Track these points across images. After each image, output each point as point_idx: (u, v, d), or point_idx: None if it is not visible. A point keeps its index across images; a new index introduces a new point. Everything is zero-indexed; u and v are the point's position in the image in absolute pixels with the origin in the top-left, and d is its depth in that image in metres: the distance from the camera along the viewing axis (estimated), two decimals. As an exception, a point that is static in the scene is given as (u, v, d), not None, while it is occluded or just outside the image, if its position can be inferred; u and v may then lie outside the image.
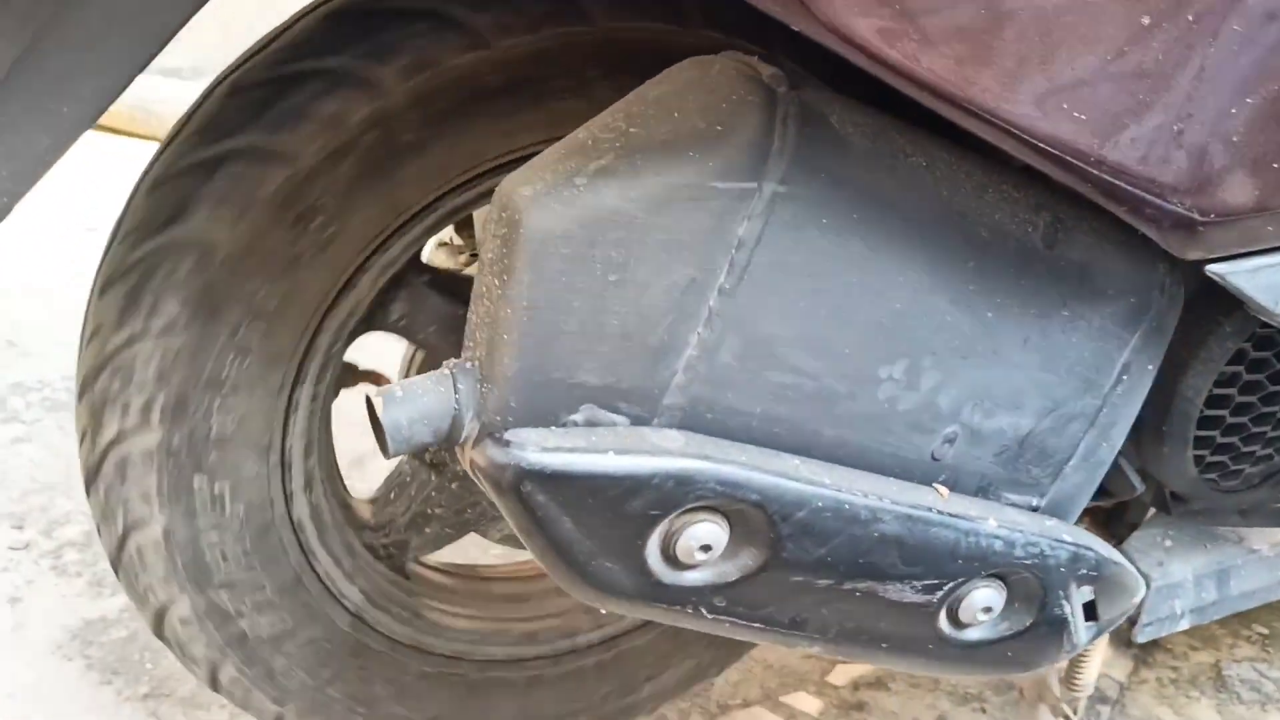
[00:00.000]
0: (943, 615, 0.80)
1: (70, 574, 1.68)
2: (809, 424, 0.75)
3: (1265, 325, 0.99)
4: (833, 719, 1.55)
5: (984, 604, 0.80)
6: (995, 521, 0.78)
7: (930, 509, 0.76)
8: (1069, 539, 0.81)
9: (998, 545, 0.78)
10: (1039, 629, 0.83)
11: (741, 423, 0.73)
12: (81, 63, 0.67)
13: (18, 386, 2.21)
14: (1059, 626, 0.84)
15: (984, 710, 1.60)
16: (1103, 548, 0.84)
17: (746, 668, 1.62)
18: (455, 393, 0.70)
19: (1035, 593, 0.82)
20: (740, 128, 0.67)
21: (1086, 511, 1.18)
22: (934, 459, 0.79)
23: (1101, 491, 1.04)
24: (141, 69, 0.69)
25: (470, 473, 0.72)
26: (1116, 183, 0.69)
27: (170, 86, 3.54)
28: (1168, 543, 1.09)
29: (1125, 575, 0.86)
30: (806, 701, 1.58)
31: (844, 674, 1.64)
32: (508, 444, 0.67)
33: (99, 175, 3.37)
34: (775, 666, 1.64)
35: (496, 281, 0.69)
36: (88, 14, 0.64)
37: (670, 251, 0.68)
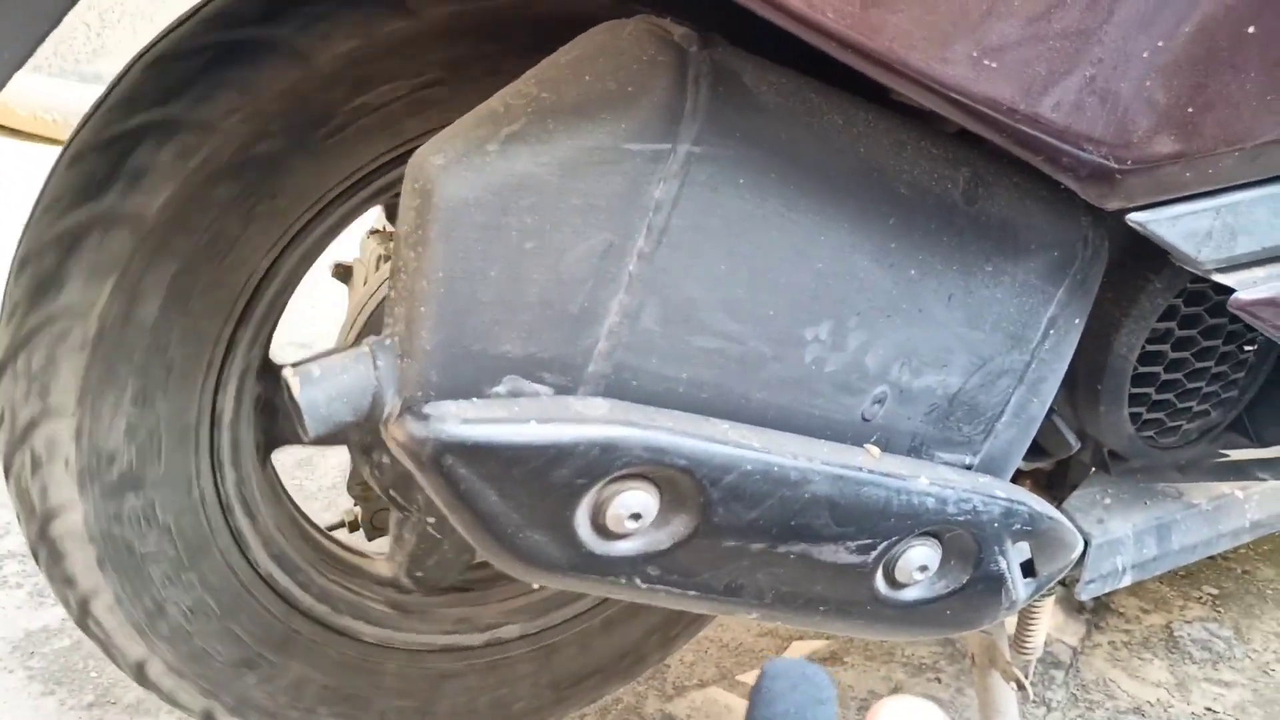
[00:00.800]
0: (879, 575, 0.80)
1: (10, 585, 1.65)
2: (736, 388, 0.74)
3: (1196, 280, 1.00)
4: (789, 695, 1.55)
5: (920, 562, 0.80)
6: (927, 479, 0.78)
7: (860, 468, 0.75)
8: (1002, 494, 0.81)
9: (930, 503, 0.77)
10: (976, 586, 0.83)
11: (668, 389, 0.73)
12: None
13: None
14: (996, 583, 0.84)
15: (939, 680, 1.61)
16: (1037, 503, 0.84)
17: (701, 648, 1.62)
18: (375, 369, 0.69)
19: (970, 549, 0.81)
20: (651, 88, 0.67)
21: (1028, 474, 1.19)
22: (864, 420, 0.79)
23: (1039, 451, 1.05)
24: (21, 63, 0.67)
25: (394, 450, 0.71)
26: (1032, 133, 0.68)
27: (96, 93, 3.49)
28: (1107, 500, 1.09)
29: (1061, 530, 0.86)
30: (763, 679, 1.58)
31: (799, 650, 1.64)
32: (427, 417, 0.66)
33: (35, 184, 3.31)
34: (730, 645, 1.64)
35: (412, 254, 0.67)
36: None
37: (586, 216, 0.67)
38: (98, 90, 0.94)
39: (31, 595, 1.63)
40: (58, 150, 0.92)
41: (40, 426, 0.94)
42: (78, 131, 0.90)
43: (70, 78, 3.62)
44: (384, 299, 1.17)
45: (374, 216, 1.38)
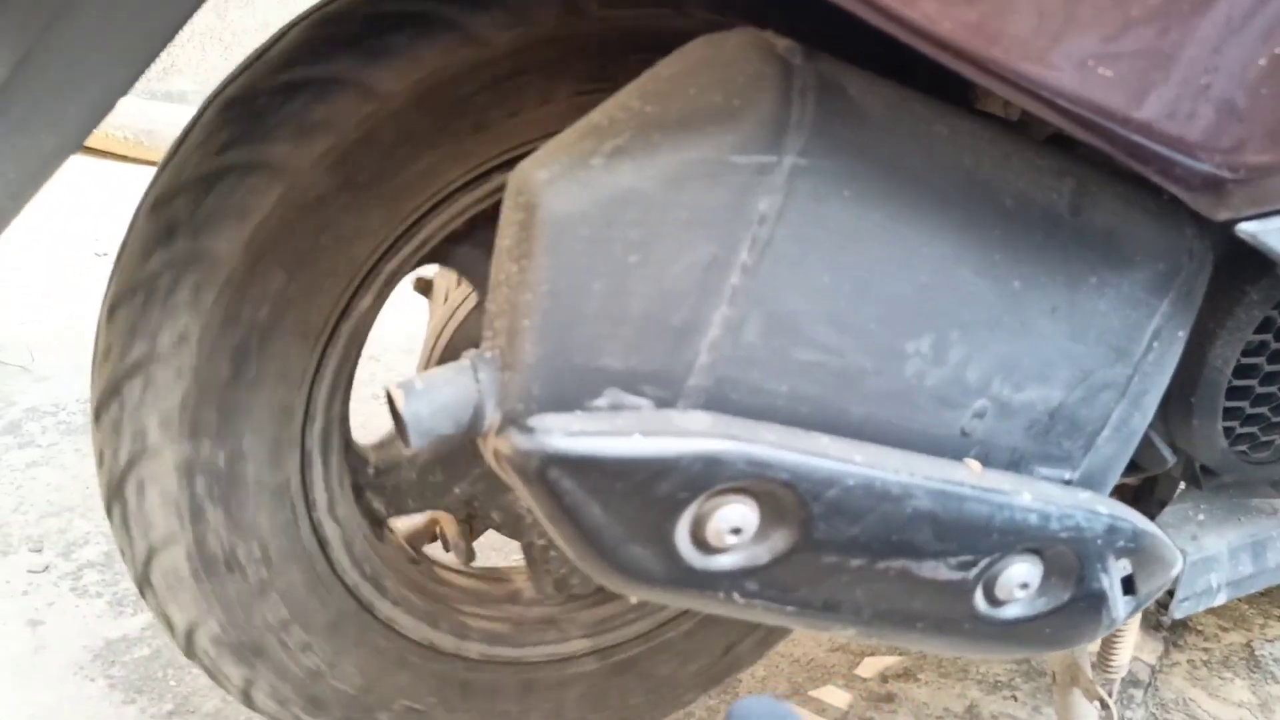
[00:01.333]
0: (979, 593, 0.79)
1: (91, 595, 1.68)
2: (836, 402, 0.74)
3: (1293, 292, 0.97)
4: (862, 711, 1.53)
5: (1021, 580, 0.79)
6: (1029, 495, 0.77)
7: (963, 484, 0.74)
8: (1104, 510, 0.80)
9: (1032, 519, 0.76)
10: (1077, 604, 0.81)
11: (768, 402, 0.72)
12: (82, 65, 0.66)
13: (33, 411, 2.21)
14: (1098, 601, 0.82)
15: (1015, 698, 1.58)
16: (1139, 519, 0.83)
17: (773, 663, 1.61)
18: (476, 382, 0.69)
19: (1072, 566, 0.80)
20: (757, 100, 0.66)
21: (1115, 490, 1.17)
22: (964, 434, 0.78)
23: (1132, 465, 1.03)
24: (140, 72, 0.69)
25: (494, 464, 0.71)
26: (1143, 142, 0.67)
27: (176, 112, 3.56)
28: (1200, 517, 1.07)
29: (1162, 547, 0.84)
30: (835, 695, 1.56)
31: (872, 666, 1.62)
32: (532, 430, 0.66)
33: (106, 200, 3.38)
34: (802, 661, 1.63)
35: (515, 267, 0.67)
36: (84, 21, 0.63)
37: (690, 229, 0.66)
38: (168, 108, 0.96)
39: (111, 605, 1.65)
40: (128, 167, 0.94)
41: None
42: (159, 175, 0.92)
43: (141, 95, 3.68)
44: (466, 317, 1.18)
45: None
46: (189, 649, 1.06)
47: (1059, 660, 1.35)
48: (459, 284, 1.21)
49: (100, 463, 0.99)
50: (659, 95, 0.68)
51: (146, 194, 0.92)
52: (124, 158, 3.59)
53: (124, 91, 0.69)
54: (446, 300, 1.22)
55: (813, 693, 1.57)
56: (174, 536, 0.99)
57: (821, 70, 0.68)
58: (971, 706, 1.56)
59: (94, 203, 3.25)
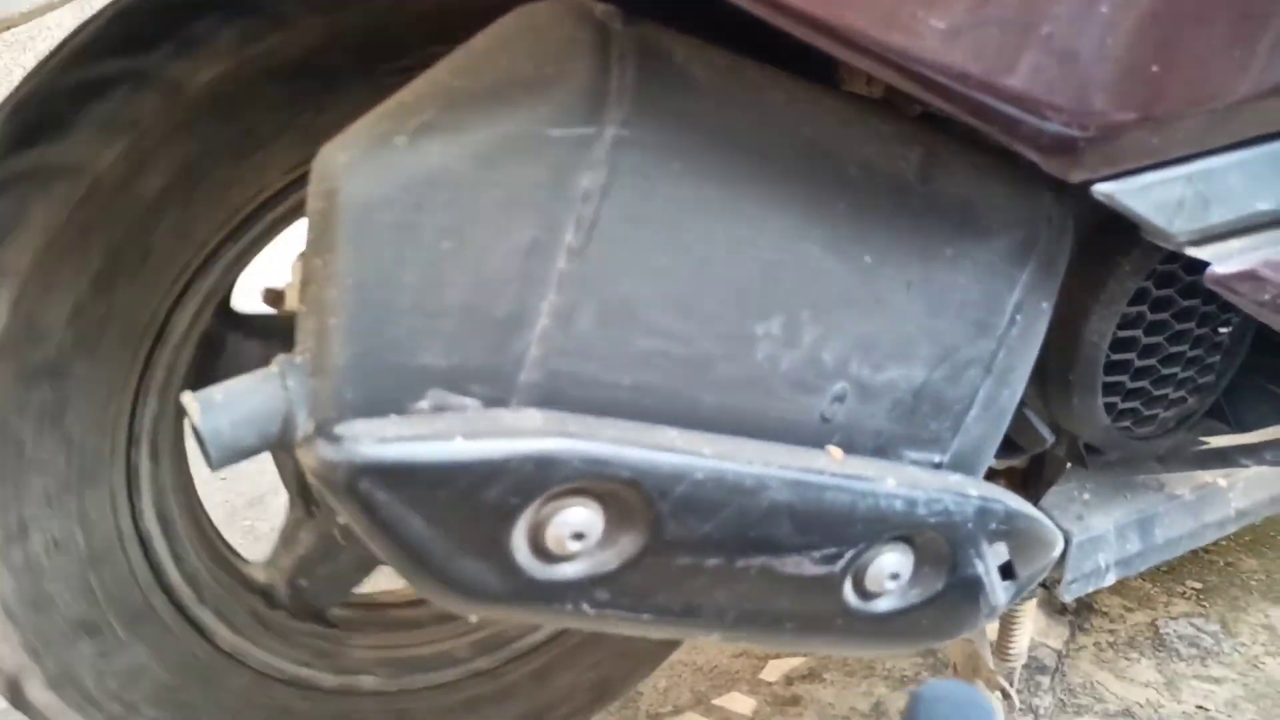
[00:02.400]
0: (848, 586, 0.74)
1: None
2: (684, 392, 0.69)
3: (1166, 261, 0.95)
4: (767, 716, 1.49)
5: (891, 570, 0.74)
6: (894, 480, 0.72)
7: (822, 472, 0.70)
8: (975, 493, 0.76)
9: (898, 505, 0.72)
10: (953, 592, 0.77)
11: (609, 396, 0.67)
12: None
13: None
14: (974, 588, 0.78)
15: (922, 692, 1.55)
16: (1013, 500, 0.79)
17: (675, 672, 1.56)
18: (285, 390, 0.63)
19: (944, 553, 0.76)
20: (572, 68, 0.61)
21: (1001, 474, 1.14)
22: (824, 420, 0.74)
23: (1012, 447, 1.00)
24: None
25: (310, 479, 0.65)
26: (988, 100, 0.63)
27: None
28: (1086, 496, 1.04)
29: (1040, 528, 0.81)
30: (740, 701, 1.52)
31: (776, 669, 1.58)
32: (339, 439, 0.59)
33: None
34: (705, 668, 1.58)
35: (320, 261, 0.62)
36: None
37: (508, 211, 0.61)
38: None
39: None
40: None
41: None
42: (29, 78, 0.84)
43: None
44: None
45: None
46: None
47: (959, 651, 1.32)
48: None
49: None
50: (469, 69, 0.63)
51: (12, 94, 0.84)
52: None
53: None
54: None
55: (716, 700, 1.52)
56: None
57: (643, 35, 0.63)
58: (878, 704, 1.52)
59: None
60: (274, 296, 1.26)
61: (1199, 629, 1.75)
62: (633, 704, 1.50)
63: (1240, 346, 1.08)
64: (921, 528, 0.74)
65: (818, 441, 0.74)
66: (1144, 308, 0.98)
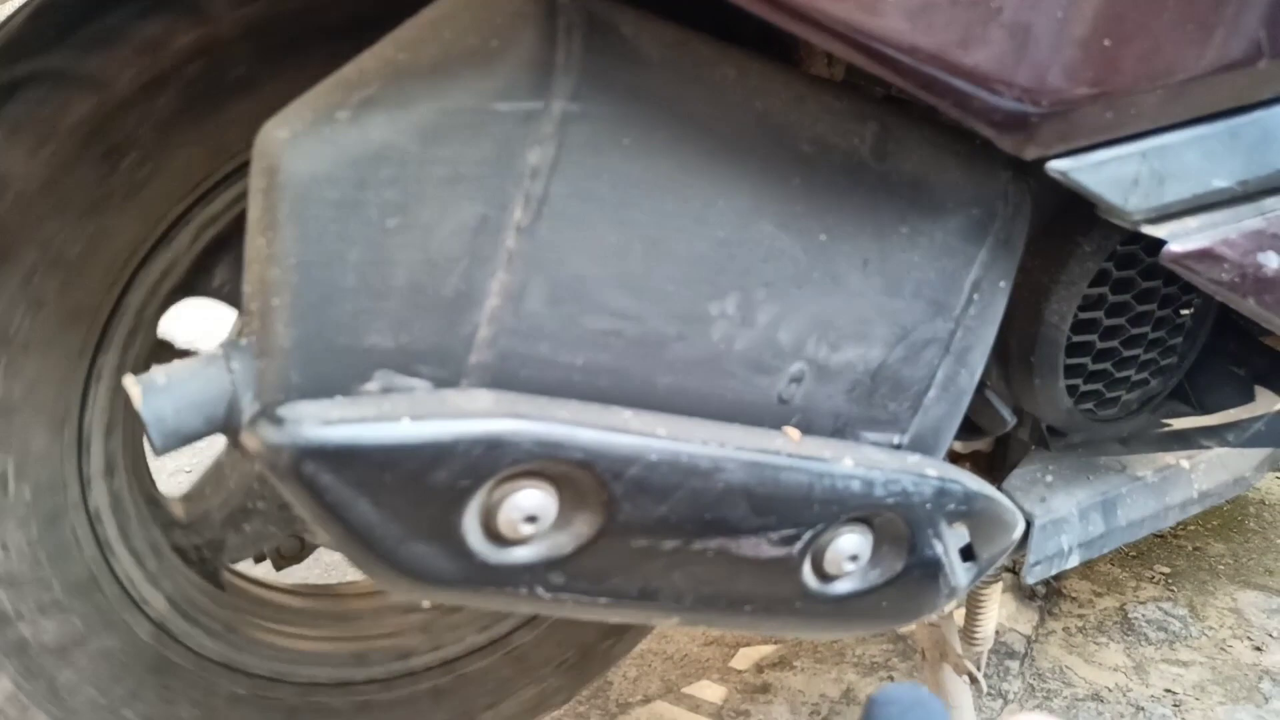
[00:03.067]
0: (806, 568, 0.73)
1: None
2: (638, 373, 0.68)
3: (1126, 242, 0.95)
4: (737, 705, 1.49)
5: (849, 551, 0.74)
6: (851, 461, 0.72)
7: (778, 452, 0.69)
8: (933, 473, 0.75)
9: (856, 485, 0.71)
10: (912, 573, 0.77)
11: (562, 376, 0.66)
12: None
13: None
14: (933, 569, 0.78)
15: (891, 678, 1.55)
16: (971, 480, 0.78)
17: (645, 661, 1.55)
18: (229, 373, 0.62)
19: (903, 534, 0.75)
20: (518, 41, 0.60)
21: (966, 457, 1.14)
22: (782, 401, 0.73)
23: (974, 429, 0.99)
24: None
25: (255, 464, 0.64)
26: (938, 75, 0.63)
27: None
28: (1048, 478, 1.04)
29: (999, 509, 0.81)
30: (710, 690, 1.51)
31: (746, 657, 1.57)
32: (281, 421, 0.58)
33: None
34: (675, 657, 1.57)
35: (262, 240, 0.60)
36: None
37: (454, 187, 0.60)
38: None
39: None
40: None
41: None
42: None
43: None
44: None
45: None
46: None
47: (927, 637, 1.31)
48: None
49: None
50: (413, 42, 0.62)
51: None
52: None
53: None
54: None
55: (687, 689, 1.51)
56: None
57: (590, 8, 0.62)
58: (848, 690, 1.52)
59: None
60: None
61: (1167, 613, 1.75)
62: (602, 694, 1.49)
63: (1202, 328, 1.08)
64: (879, 508, 0.73)
65: (775, 423, 0.73)
66: (1105, 289, 0.97)
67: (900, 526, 0.75)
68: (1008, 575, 1.71)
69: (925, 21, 0.60)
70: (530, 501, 0.64)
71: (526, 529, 0.64)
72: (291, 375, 0.60)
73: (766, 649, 1.59)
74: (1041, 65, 0.64)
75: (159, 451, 0.62)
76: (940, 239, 0.73)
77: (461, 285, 0.61)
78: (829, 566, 0.74)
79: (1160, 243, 0.78)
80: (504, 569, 0.66)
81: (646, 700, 1.49)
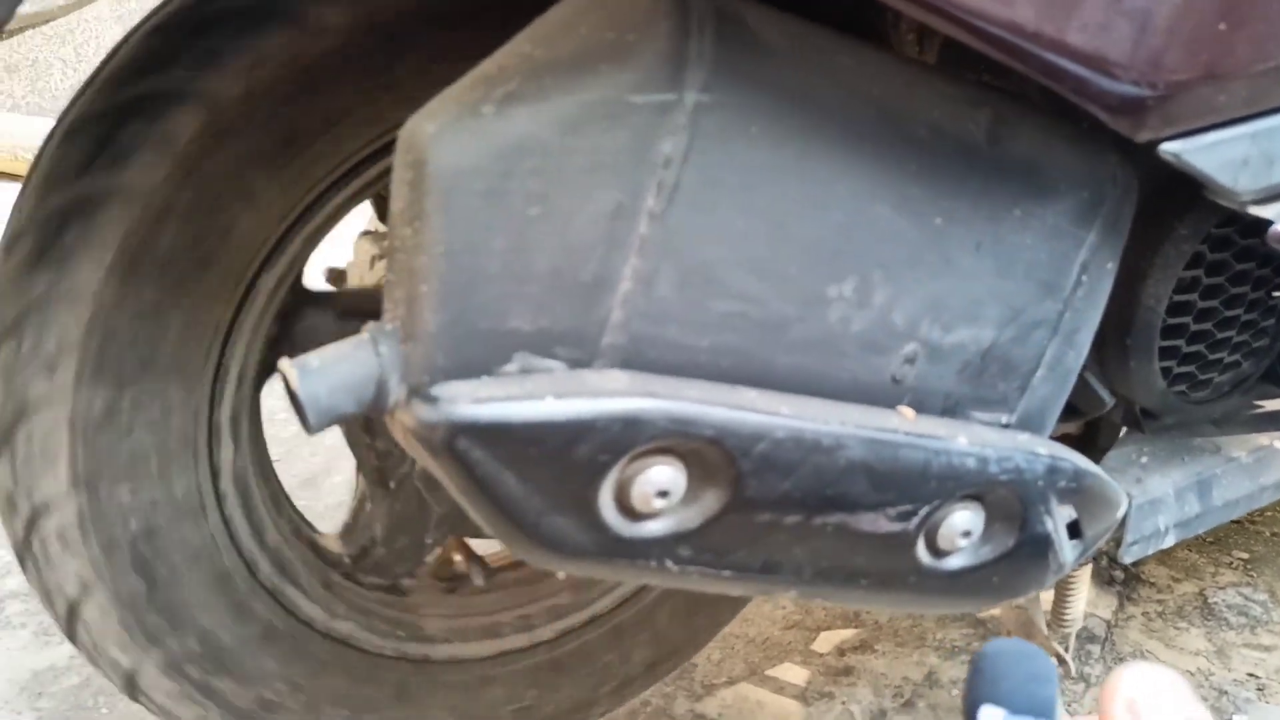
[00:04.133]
0: (921, 544, 0.76)
1: (14, 626, 1.60)
2: (760, 353, 0.70)
3: (1220, 225, 0.96)
4: (821, 687, 1.51)
5: (963, 527, 0.76)
6: (965, 439, 0.74)
7: (896, 430, 0.71)
8: (1044, 451, 0.77)
9: (970, 463, 0.73)
10: (1023, 549, 0.79)
11: (688, 358, 0.68)
12: None
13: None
14: (1043, 545, 0.79)
15: (974, 662, 1.56)
16: (1080, 459, 0.80)
17: (728, 644, 1.58)
18: (377, 356, 0.65)
19: (1015, 510, 0.77)
20: (653, 35, 0.63)
21: (1060, 437, 1.15)
22: (895, 381, 0.75)
23: (1071, 410, 1.01)
24: None
25: (404, 443, 0.67)
26: (1057, 59, 0.65)
27: (49, 125, 3.45)
28: (1144, 460, 1.05)
29: (1106, 487, 0.82)
30: (793, 672, 1.53)
31: (828, 640, 1.59)
32: (435, 400, 0.61)
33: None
34: (757, 640, 1.60)
35: (409, 230, 0.63)
36: None
37: (592, 176, 0.63)
38: (47, 123, 0.92)
39: (36, 635, 1.58)
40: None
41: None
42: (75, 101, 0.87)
43: (49, 115, 3.57)
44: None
45: (367, 217, 1.34)
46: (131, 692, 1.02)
47: (1014, 619, 1.33)
48: (371, 268, 1.17)
49: (6, 512, 0.94)
50: (550, 39, 0.65)
51: (60, 120, 0.87)
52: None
53: None
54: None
55: (770, 671, 1.53)
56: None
57: (718, 3, 0.65)
58: (930, 673, 1.54)
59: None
60: (336, 275, 1.28)
61: (1247, 598, 1.75)
62: (687, 675, 1.52)
63: (1295, 310, 1.09)
64: (993, 485, 0.75)
65: (888, 402, 0.75)
66: (1199, 271, 0.98)
67: (1013, 503, 0.77)
68: (1090, 559, 1.71)
69: (1049, 8, 0.62)
70: (662, 477, 0.67)
71: (658, 503, 0.67)
72: (437, 358, 0.63)
73: (848, 632, 1.61)
74: (1158, 49, 0.65)
75: (311, 430, 0.65)
76: (1051, 221, 0.75)
77: (597, 270, 0.64)
78: (942, 542, 0.76)
79: (1258, 224, 0.79)
80: (636, 542, 0.68)
81: (731, 682, 1.52)
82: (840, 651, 1.57)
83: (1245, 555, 1.87)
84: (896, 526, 0.74)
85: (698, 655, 1.40)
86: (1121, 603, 1.73)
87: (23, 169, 3.45)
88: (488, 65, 0.66)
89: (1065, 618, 1.24)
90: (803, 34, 0.68)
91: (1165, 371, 1.02)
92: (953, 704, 1.49)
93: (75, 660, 1.52)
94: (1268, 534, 1.93)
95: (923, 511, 0.74)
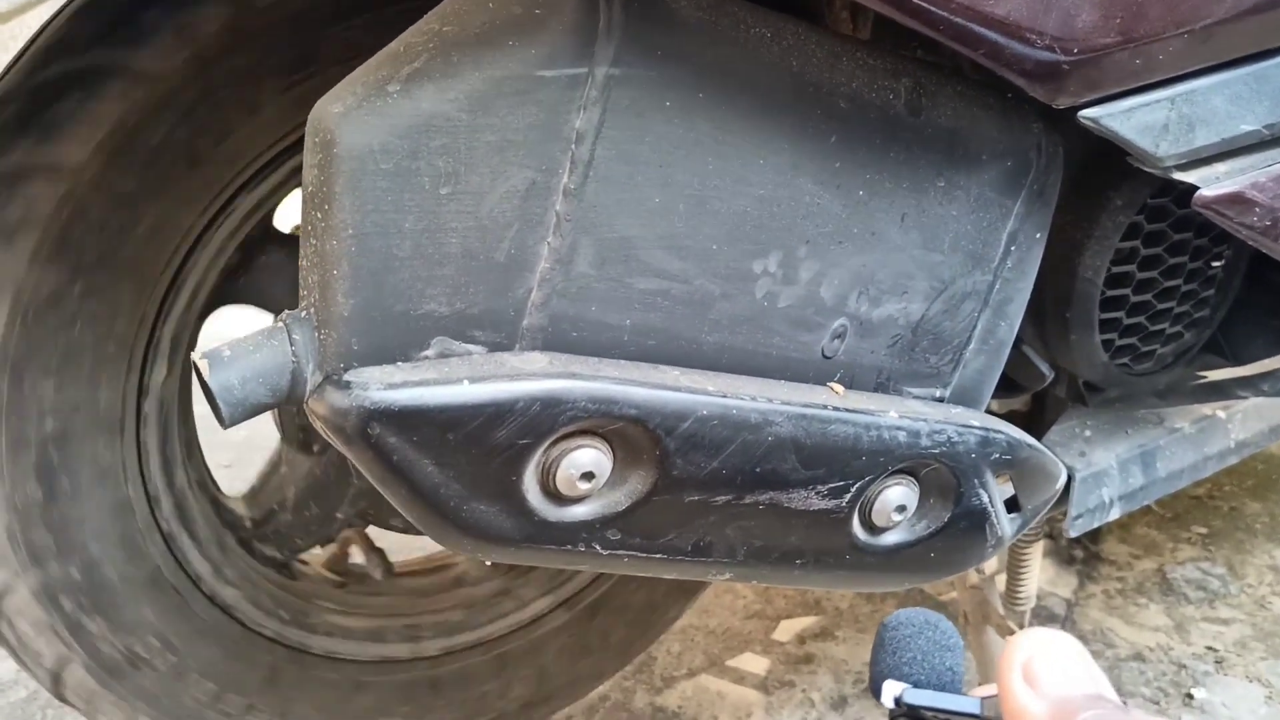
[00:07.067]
0: (855, 521, 0.75)
1: (-38, 641, 1.58)
2: (685, 332, 0.69)
3: (1157, 195, 0.96)
4: (781, 675, 1.50)
5: (897, 502, 0.75)
6: (896, 413, 0.73)
7: (825, 406, 0.70)
8: (976, 423, 0.77)
9: (901, 436, 0.73)
10: (959, 523, 0.78)
11: (612, 338, 0.68)
12: None
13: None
14: (980, 519, 0.79)
15: (934, 645, 1.56)
16: (1013, 431, 0.80)
17: (688, 636, 1.57)
18: (291, 344, 0.64)
19: (949, 484, 0.77)
20: (560, 8, 0.61)
21: (1004, 417, 1.15)
22: (825, 357, 0.74)
23: (1012, 385, 1.00)
24: None
25: (319, 429, 0.66)
26: (971, 25, 0.64)
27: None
28: (1087, 433, 1.05)
29: (1042, 459, 0.82)
30: (753, 662, 1.53)
31: (788, 629, 1.59)
32: (348, 385, 0.60)
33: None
34: (717, 631, 1.59)
35: (319, 214, 0.62)
36: None
37: (503, 153, 0.62)
38: None
39: (-16, 649, 1.56)
40: None
41: None
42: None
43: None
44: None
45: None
46: None
47: (969, 599, 1.33)
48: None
49: None
50: (458, 15, 0.63)
51: None
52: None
53: None
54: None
55: (730, 662, 1.53)
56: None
57: (629, -26, 0.64)
58: (891, 659, 1.53)
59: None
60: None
61: (1206, 572, 1.76)
62: (646, 668, 1.51)
63: (1234, 279, 1.09)
64: (925, 459, 0.74)
65: (819, 379, 0.75)
66: (1137, 242, 0.98)
67: (946, 477, 0.76)
68: (1047, 540, 1.71)
69: (957, -27, 0.62)
70: (586, 458, 0.66)
71: (583, 486, 0.66)
72: (352, 343, 0.62)
73: (808, 620, 1.61)
74: (1071, 14, 0.65)
75: (226, 424, 0.64)
76: (976, 192, 0.75)
77: (513, 250, 0.63)
78: (877, 518, 0.75)
79: (1190, 193, 0.79)
80: (562, 526, 0.67)
81: (691, 674, 1.51)
82: (801, 640, 1.57)
83: (1204, 530, 1.88)
84: (829, 503, 0.73)
85: (656, 648, 1.39)
86: (1082, 581, 1.74)
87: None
88: (395, 45, 0.64)
89: (1019, 596, 1.24)
90: (719, 4, 0.67)
91: (1107, 344, 1.02)
92: (914, 687, 1.49)
93: (22, 675, 1.49)
94: (1226, 509, 1.95)
95: (855, 487, 0.73)
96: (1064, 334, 0.99)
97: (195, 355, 0.64)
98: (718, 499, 0.70)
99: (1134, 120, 0.72)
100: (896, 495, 0.75)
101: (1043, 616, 1.62)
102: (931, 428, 0.74)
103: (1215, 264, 1.06)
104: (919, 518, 0.78)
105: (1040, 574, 1.41)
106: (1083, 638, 1.60)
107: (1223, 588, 1.71)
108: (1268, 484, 2.01)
